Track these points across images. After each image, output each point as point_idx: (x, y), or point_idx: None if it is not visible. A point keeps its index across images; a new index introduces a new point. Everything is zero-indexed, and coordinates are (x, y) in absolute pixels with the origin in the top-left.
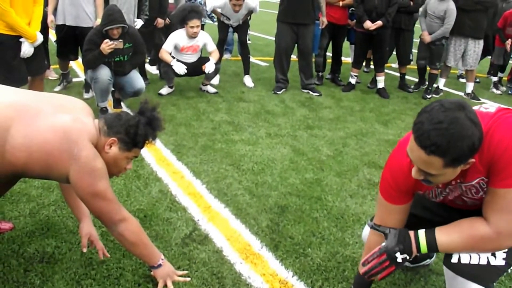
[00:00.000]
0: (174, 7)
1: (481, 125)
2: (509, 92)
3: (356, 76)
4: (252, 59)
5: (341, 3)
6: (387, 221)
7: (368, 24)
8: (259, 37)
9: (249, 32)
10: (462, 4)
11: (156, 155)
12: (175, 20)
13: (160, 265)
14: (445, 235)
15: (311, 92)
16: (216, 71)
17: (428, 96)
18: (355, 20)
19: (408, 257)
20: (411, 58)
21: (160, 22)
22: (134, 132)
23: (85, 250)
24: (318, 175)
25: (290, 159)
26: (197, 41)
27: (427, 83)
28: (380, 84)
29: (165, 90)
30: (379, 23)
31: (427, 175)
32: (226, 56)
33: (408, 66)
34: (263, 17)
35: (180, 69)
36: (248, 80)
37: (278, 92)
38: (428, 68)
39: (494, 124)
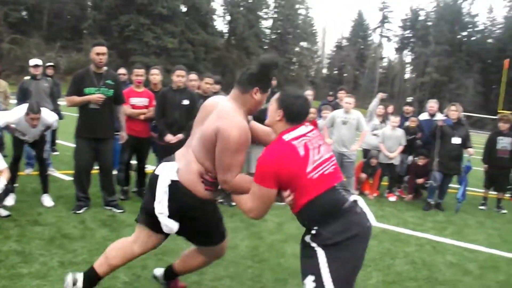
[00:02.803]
0: None
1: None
2: None
3: None
4: (56, 174)
5: (142, 117)
6: None
7: (169, 138)
8: (69, 147)
9: (57, 141)
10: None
11: None
12: None
13: None
14: None
15: (114, 209)
16: (6, 192)
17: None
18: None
19: None
20: None
21: None
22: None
23: None
24: None
25: None
26: None
27: None
28: None
29: None
30: (179, 136)
31: None
32: (27, 171)
33: None
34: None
35: None
36: (46, 200)
37: (78, 212)
38: None
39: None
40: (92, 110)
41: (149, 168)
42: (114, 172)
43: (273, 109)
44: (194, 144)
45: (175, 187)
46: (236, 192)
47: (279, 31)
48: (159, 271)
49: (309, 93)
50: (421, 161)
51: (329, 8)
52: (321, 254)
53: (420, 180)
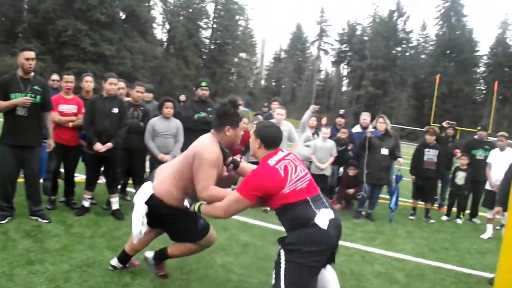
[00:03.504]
0: None
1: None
2: None
3: (89, 198)
4: None
5: (70, 124)
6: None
7: (98, 146)
8: None
9: None
10: (191, 125)
11: None
12: None
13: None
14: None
15: (40, 219)
16: None
17: None
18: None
19: None
20: (145, 177)
21: None
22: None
23: None
24: None
25: None
26: None
27: None
28: (115, 206)
29: None
30: (109, 145)
31: None
32: None
33: None
34: None
35: None
36: None
37: (2, 222)
38: None
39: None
40: (18, 116)
41: (78, 177)
42: (41, 181)
43: (252, 140)
44: (174, 163)
45: (151, 200)
46: (210, 201)
47: (218, 41)
48: (149, 253)
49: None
50: (351, 172)
51: (268, 21)
52: (282, 255)
53: (351, 191)
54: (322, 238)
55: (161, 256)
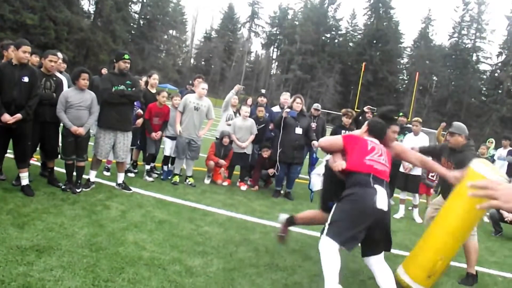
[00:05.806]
0: None
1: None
2: (162, 178)
3: None
4: None
5: None
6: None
7: (6, 118)
8: None
9: None
10: (108, 97)
11: None
12: None
13: None
14: None
15: None
16: None
17: (78, 190)
18: None
19: None
20: (58, 151)
21: None
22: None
23: None
24: None
25: None
26: None
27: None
28: (24, 181)
29: None
30: (18, 116)
31: None
32: None
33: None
34: None
35: None
36: None
37: None
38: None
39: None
40: None
41: None
42: None
43: (364, 124)
44: None
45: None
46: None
47: (148, 16)
48: (282, 216)
49: (155, 77)
50: (265, 153)
51: None
52: (336, 203)
53: (270, 171)
54: (369, 197)
55: (291, 222)
